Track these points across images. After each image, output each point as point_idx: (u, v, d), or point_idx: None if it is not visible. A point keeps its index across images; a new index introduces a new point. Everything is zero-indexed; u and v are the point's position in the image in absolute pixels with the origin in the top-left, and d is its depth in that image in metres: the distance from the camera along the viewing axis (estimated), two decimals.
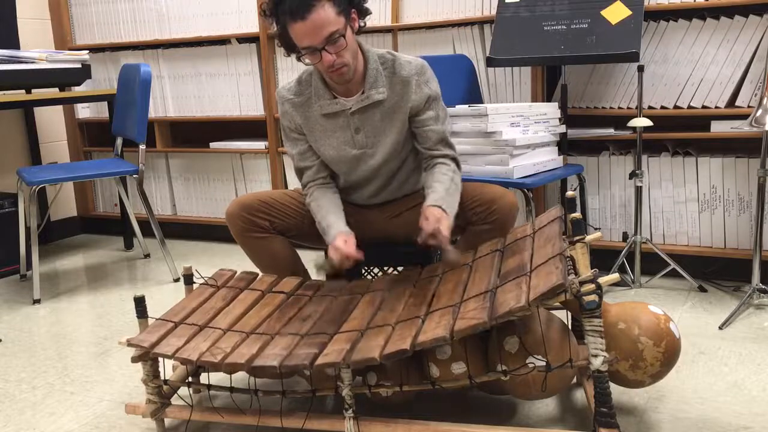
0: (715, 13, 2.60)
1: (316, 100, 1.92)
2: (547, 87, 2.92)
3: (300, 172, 2.03)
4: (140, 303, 1.76)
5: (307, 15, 1.71)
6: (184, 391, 1.93)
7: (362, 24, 1.87)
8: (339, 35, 1.75)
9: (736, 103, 2.59)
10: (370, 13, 1.91)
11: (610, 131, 2.79)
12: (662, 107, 2.72)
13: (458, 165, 1.96)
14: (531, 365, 1.51)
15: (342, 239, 1.81)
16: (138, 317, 1.77)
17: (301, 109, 1.95)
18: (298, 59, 1.86)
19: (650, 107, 2.73)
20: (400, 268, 2.03)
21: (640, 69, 2.51)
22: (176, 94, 3.70)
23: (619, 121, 2.76)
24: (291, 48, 1.85)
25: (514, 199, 1.90)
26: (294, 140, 2.01)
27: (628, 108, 2.75)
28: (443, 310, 1.56)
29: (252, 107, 3.52)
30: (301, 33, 1.74)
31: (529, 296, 1.41)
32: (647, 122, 2.51)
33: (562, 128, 2.67)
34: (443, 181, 1.86)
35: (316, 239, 2.05)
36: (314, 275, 1.90)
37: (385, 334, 1.55)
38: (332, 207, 1.94)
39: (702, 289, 2.62)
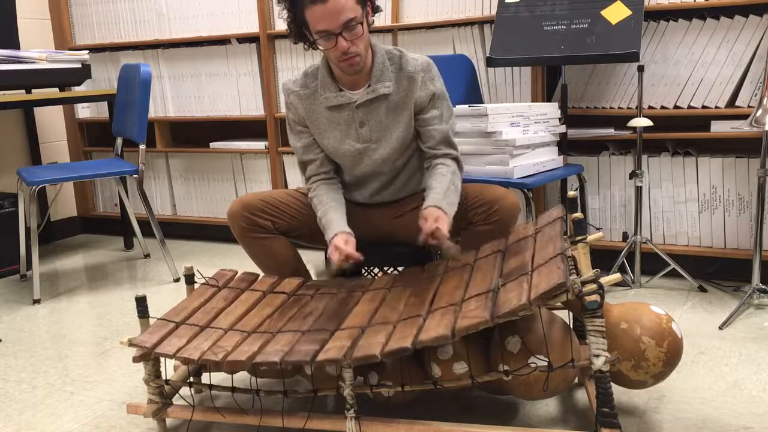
0: (715, 13, 2.60)
1: (322, 92, 1.93)
2: (547, 87, 2.92)
3: (303, 166, 2.03)
4: (141, 303, 1.76)
5: None
6: (185, 390, 1.93)
7: (372, 20, 1.89)
8: (357, 22, 1.77)
9: (736, 103, 2.60)
10: (381, 10, 1.94)
11: (610, 131, 2.79)
12: (662, 107, 2.72)
13: (459, 165, 1.96)
14: (533, 365, 1.51)
15: (343, 239, 1.81)
16: (139, 317, 1.76)
17: (306, 102, 1.96)
18: (308, 47, 1.87)
19: (650, 107, 2.73)
20: (400, 268, 2.03)
21: (640, 69, 2.51)
22: (176, 94, 3.69)
23: (619, 121, 2.77)
24: (301, 36, 1.86)
25: (516, 199, 1.91)
26: (298, 133, 2.01)
27: (628, 108, 2.76)
28: (445, 309, 1.56)
29: (252, 107, 3.52)
30: (320, 16, 1.75)
31: (530, 295, 1.41)
32: (647, 122, 2.51)
33: (562, 128, 2.68)
34: (442, 182, 1.87)
35: (318, 239, 2.05)
36: (315, 277, 1.90)
37: (386, 331, 1.55)
38: (334, 204, 1.94)
39: (702, 289, 2.63)
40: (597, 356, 1.42)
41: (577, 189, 2.78)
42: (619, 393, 1.82)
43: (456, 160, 1.96)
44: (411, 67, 1.92)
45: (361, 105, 1.91)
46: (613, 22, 2.51)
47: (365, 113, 1.92)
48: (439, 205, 1.78)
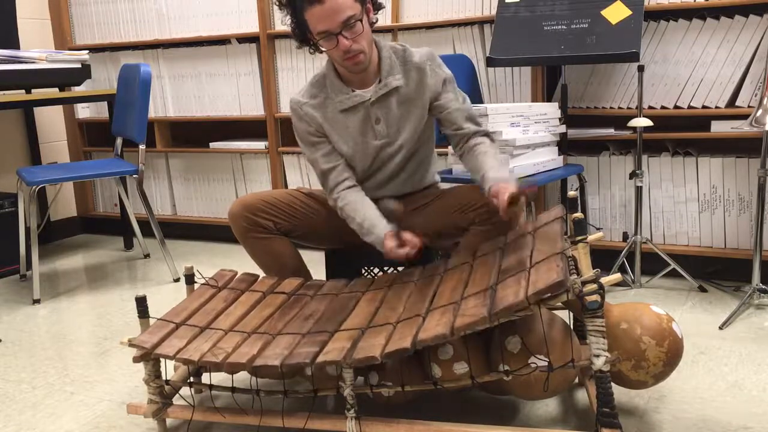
0: (715, 13, 2.60)
1: (333, 96, 1.92)
2: (547, 87, 2.92)
3: (325, 176, 1.98)
4: (142, 303, 1.76)
5: None
6: (185, 391, 1.93)
7: (376, 18, 1.89)
8: (356, 20, 1.77)
9: (736, 103, 2.60)
10: (384, 6, 1.93)
11: (610, 131, 2.79)
12: (662, 107, 2.72)
13: (492, 140, 1.96)
14: (533, 365, 1.51)
15: (396, 234, 1.82)
16: (139, 317, 1.76)
17: (320, 110, 1.94)
18: (313, 51, 1.87)
19: (650, 107, 2.73)
20: (400, 268, 2.03)
21: (640, 69, 2.51)
22: (176, 94, 3.69)
23: (619, 121, 2.77)
24: (305, 39, 1.86)
25: None
26: (315, 144, 1.97)
27: (628, 108, 2.76)
28: (444, 308, 1.56)
29: (252, 107, 3.51)
30: (318, 17, 1.76)
31: (528, 292, 1.41)
32: (647, 122, 2.51)
33: (562, 128, 2.68)
34: (489, 157, 1.86)
35: (318, 239, 2.05)
36: None
37: (386, 332, 1.55)
38: (370, 208, 1.92)
39: (702, 289, 2.63)
40: (597, 356, 1.42)
41: (577, 189, 2.78)
42: (619, 393, 1.82)
43: (487, 135, 1.96)
44: (416, 57, 1.93)
45: (374, 102, 1.91)
46: (613, 22, 2.51)
47: (379, 109, 1.92)
48: (501, 177, 1.77)
